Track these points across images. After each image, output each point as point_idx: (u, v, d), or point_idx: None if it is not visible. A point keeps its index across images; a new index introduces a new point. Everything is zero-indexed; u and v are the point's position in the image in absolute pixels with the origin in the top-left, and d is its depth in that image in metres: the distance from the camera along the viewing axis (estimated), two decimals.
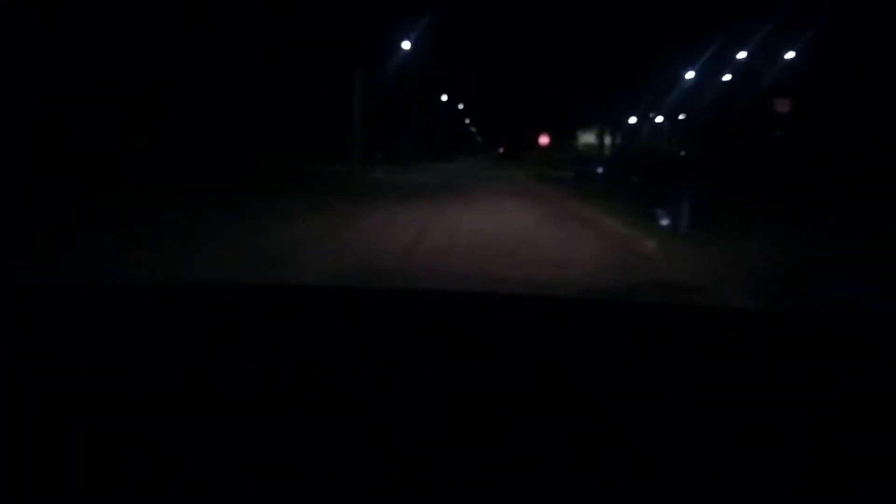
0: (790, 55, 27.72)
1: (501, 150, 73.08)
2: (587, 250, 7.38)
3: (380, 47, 27.71)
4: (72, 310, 1.30)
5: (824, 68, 22.83)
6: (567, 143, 58.90)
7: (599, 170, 19.61)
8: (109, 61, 15.93)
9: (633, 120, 50.38)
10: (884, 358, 1.11)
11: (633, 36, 37.79)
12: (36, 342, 1.08)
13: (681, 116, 45.56)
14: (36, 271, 4.47)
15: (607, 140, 45.99)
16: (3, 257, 4.92)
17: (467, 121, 78.80)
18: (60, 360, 1.00)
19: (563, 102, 47.43)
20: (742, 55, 30.88)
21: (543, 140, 45.33)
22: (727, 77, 35.10)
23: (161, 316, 1.31)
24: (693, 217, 8.46)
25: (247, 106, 22.56)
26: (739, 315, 1.74)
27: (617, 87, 41.45)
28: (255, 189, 14.14)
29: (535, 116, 51.03)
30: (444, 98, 50.01)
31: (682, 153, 25.77)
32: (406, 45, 27.25)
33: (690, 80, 38.29)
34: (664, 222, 8.70)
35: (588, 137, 64.23)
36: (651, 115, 49.73)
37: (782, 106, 21.53)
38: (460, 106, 62.85)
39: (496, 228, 9.12)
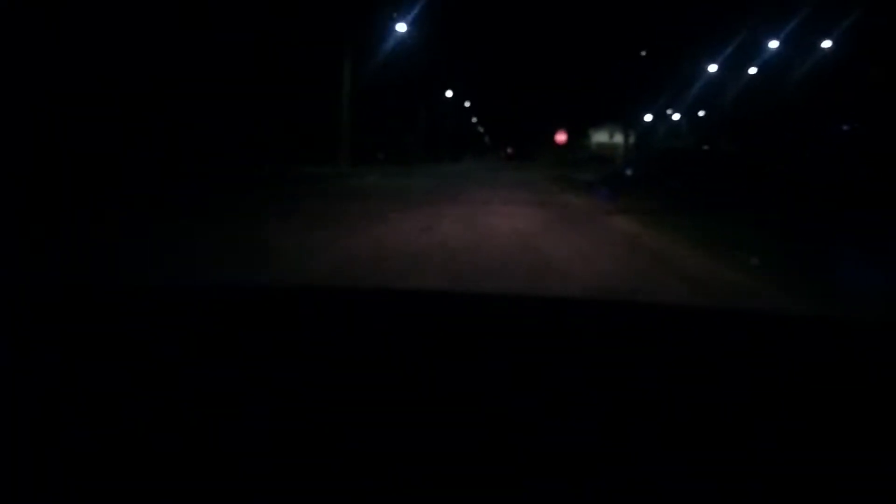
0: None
1: (510, 150, 70.40)
2: None
3: (377, 37, 26.45)
4: (71, 310, 1.32)
5: None
6: (579, 142, 56.91)
7: (628, 171, 17.47)
8: (109, 61, 15.90)
9: (648, 117, 48.46)
10: (883, 364, 1.12)
11: (652, 30, 35.79)
12: (36, 342, 1.11)
13: (700, 113, 43.51)
14: (35, 272, 4.27)
15: (619, 138, 43.95)
16: (3, 257, 4.96)
17: (474, 120, 76.90)
18: (60, 361, 1.02)
19: (575, 100, 45.47)
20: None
21: (560, 137, 43.13)
22: (752, 70, 32.92)
23: (161, 316, 1.31)
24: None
25: (245, 106, 21.95)
26: (740, 315, 1.66)
27: (633, 84, 39.56)
28: (196, 201, 10.74)
29: (547, 115, 49.14)
30: (449, 94, 47.48)
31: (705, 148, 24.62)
32: (401, 27, 25.99)
33: (713, 73, 36.12)
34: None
35: (601, 136, 62.13)
36: (669, 111, 47.73)
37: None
38: (467, 104, 60.57)
39: (527, 284, 4.75)
